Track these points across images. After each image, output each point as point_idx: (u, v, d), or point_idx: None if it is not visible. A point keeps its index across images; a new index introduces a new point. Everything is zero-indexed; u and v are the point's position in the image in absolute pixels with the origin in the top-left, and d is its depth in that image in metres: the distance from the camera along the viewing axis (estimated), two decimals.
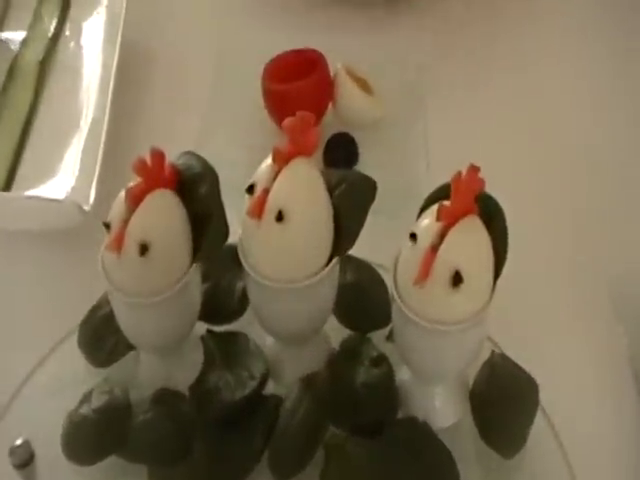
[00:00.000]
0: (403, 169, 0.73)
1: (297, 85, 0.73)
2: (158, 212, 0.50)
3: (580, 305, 0.65)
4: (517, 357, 0.57)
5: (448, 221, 0.48)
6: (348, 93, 0.75)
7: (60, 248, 0.69)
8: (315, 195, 0.50)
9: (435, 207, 0.49)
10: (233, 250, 0.53)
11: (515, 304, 0.58)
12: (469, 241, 0.48)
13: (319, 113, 0.75)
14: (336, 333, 0.60)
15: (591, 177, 0.73)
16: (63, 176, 0.71)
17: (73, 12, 0.84)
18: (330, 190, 0.52)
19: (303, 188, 0.50)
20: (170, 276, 0.51)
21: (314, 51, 0.76)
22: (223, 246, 0.54)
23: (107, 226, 0.50)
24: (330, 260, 0.52)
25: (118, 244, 0.49)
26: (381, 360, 0.57)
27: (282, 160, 0.49)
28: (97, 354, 0.59)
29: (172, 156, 0.72)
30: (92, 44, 0.81)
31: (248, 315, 0.59)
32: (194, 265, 0.52)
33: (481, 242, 0.49)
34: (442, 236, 0.48)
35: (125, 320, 0.54)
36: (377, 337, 0.59)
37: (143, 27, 0.84)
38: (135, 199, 0.50)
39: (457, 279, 0.47)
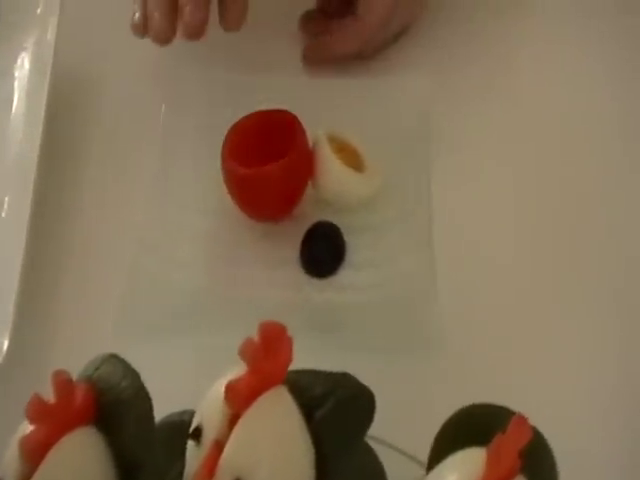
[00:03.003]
0: (403, 272, 0.58)
1: (265, 170, 0.57)
2: (67, 470, 0.35)
3: None
4: None
5: None
6: (331, 171, 0.59)
7: None
8: (287, 446, 0.35)
9: (461, 463, 0.34)
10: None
11: None
12: None
13: (294, 198, 0.60)
14: None
15: None
16: None
17: None
18: (309, 408, 0.37)
19: (270, 444, 0.35)
20: None
21: (287, 114, 0.60)
22: None
23: None
24: None
25: None
26: None
27: (240, 403, 0.34)
28: None
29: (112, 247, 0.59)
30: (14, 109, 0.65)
31: None
32: None
33: None
34: None
35: None
36: None
37: (77, 75, 0.68)
38: (34, 457, 0.35)
39: None
